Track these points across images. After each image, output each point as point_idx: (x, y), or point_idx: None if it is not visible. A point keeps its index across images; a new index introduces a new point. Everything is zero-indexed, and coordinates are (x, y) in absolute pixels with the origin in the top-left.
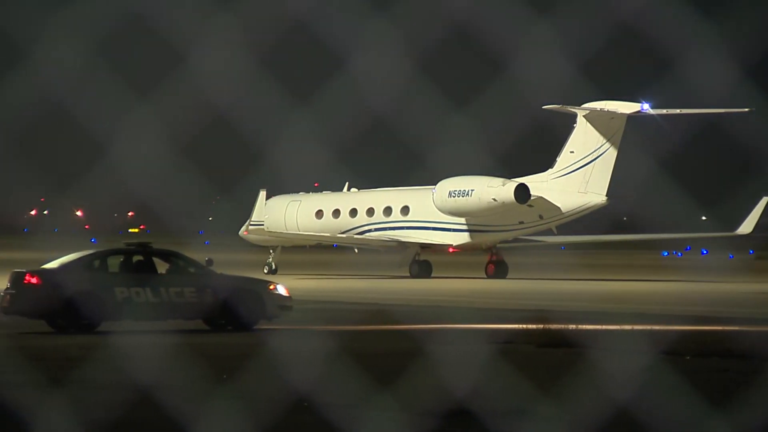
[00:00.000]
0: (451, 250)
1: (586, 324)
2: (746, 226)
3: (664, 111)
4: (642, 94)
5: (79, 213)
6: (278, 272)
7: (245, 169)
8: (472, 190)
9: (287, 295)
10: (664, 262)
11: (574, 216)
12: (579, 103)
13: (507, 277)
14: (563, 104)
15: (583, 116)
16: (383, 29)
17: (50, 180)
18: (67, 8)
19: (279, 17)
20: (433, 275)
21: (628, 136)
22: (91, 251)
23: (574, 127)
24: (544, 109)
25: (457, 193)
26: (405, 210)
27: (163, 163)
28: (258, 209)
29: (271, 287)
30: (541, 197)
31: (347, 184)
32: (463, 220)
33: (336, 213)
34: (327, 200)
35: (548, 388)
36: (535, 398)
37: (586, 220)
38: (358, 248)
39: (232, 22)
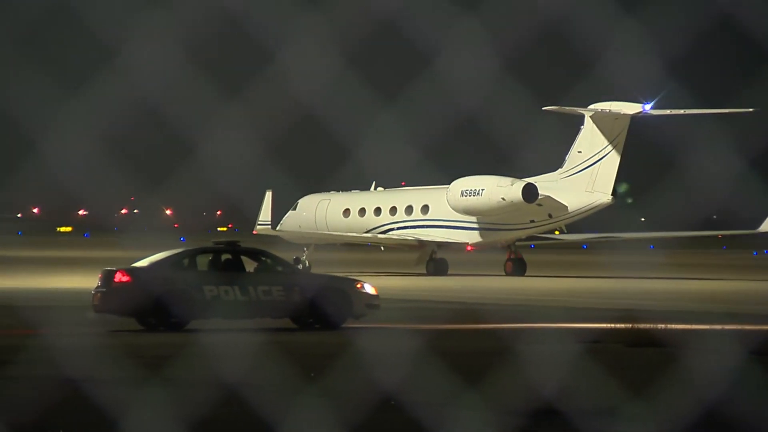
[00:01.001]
0: (468, 248)
1: (675, 323)
2: None
3: (668, 111)
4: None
5: (168, 212)
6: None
7: (333, 167)
8: (482, 190)
9: (375, 293)
10: (756, 262)
11: (582, 215)
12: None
13: (525, 274)
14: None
15: (590, 117)
16: (472, 28)
17: (140, 179)
18: (155, 8)
19: (366, 16)
20: (449, 273)
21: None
22: (180, 250)
23: (581, 128)
24: (543, 110)
25: (468, 192)
26: (425, 209)
27: (252, 162)
28: (265, 209)
29: (359, 285)
30: (549, 196)
31: (374, 183)
32: (482, 219)
33: (362, 212)
34: (354, 199)
35: (637, 388)
36: (624, 398)
37: (675, 216)
38: (383, 246)
39: (321, 22)
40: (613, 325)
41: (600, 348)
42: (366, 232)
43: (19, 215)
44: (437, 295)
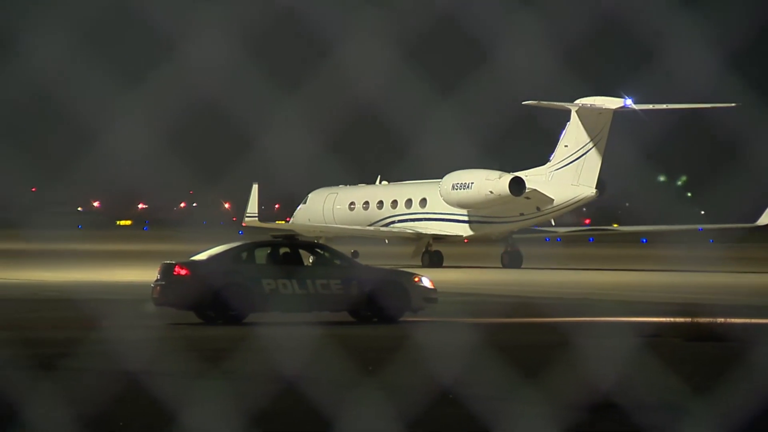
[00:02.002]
0: (465, 240)
1: (735, 318)
2: None
3: (650, 106)
4: (630, 87)
5: (227, 205)
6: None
7: (390, 160)
8: (472, 183)
9: (432, 287)
10: None
11: (568, 208)
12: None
13: (522, 267)
14: (542, 100)
15: (575, 112)
16: (528, 22)
17: (200, 173)
18: (213, 2)
19: (427, 11)
20: (444, 265)
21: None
22: (238, 243)
23: (567, 123)
24: (523, 104)
25: (459, 185)
26: (423, 202)
27: (310, 156)
28: (252, 201)
29: (416, 279)
30: (536, 190)
31: (379, 177)
32: (473, 212)
33: (366, 205)
34: (359, 193)
35: (696, 383)
36: (683, 393)
37: (734, 209)
38: (386, 239)
39: (379, 16)
40: (672, 319)
41: (659, 342)
42: (369, 225)
43: (79, 209)
44: (494, 288)
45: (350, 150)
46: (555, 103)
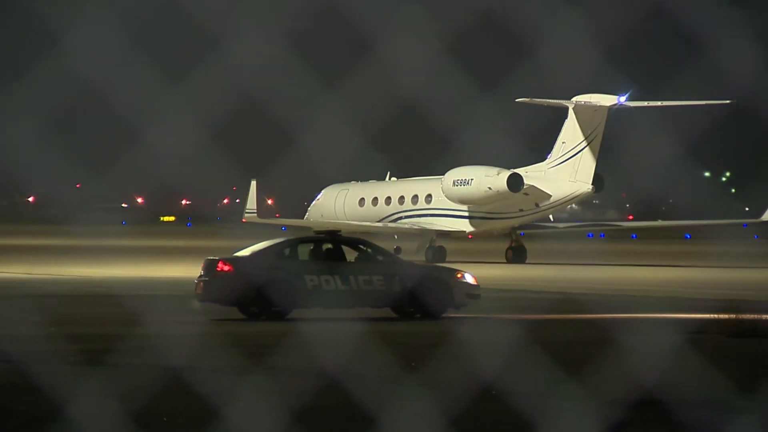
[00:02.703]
0: (470, 236)
1: None
2: None
3: (645, 103)
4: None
5: (269, 202)
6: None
7: (434, 155)
8: (471, 179)
9: (475, 283)
10: None
11: (565, 204)
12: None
13: (526, 262)
14: (534, 98)
15: (572, 109)
16: (572, 19)
17: (243, 169)
18: (256, 0)
19: (465, 5)
20: (447, 260)
21: None
22: (282, 239)
23: (565, 120)
24: (517, 102)
25: (459, 182)
26: (428, 198)
27: (351, 151)
28: (251, 198)
29: (459, 275)
30: (533, 186)
31: (388, 173)
32: (474, 208)
33: (374, 201)
34: (369, 189)
35: (739, 379)
36: (727, 389)
37: None
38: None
39: (420, 12)
40: (715, 316)
41: (702, 339)
42: (378, 221)
43: (123, 205)
44: (536, 284)
45: (393, 144)
46: (549, 100)
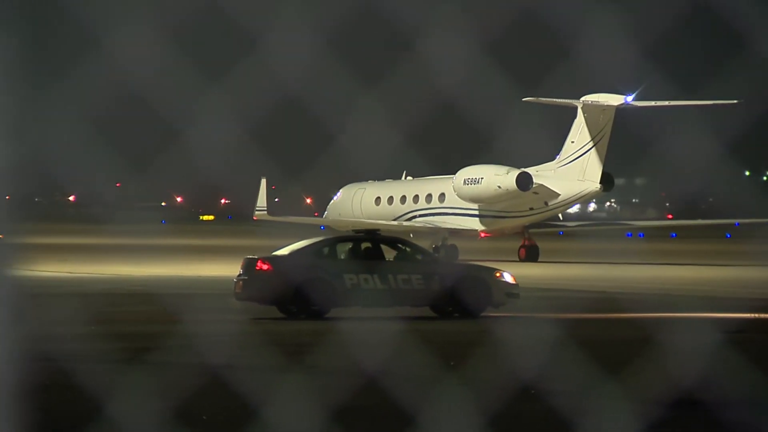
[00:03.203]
0: (482, 235)
1: None
2: None
3: (652, 103)
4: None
5: (308, 201)
6: None
7: (471, 154)
8: (481, 178)
9: (514, 282)
10: None
11: (573, 202)
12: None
13: (538, 260)
14: (541, 97)
15: (581, 108)
16: (610, 17)
17: (282, 168)
18: None
19: (505, 4)
20: (459, 259)
21: None
22: (320, 238)
23: (574, 119)
24: (524, 101)
25: (470, 181)
26: (441, 197)
27: (390, 150)
28: (261, 196)
29: (498, 274)
30: (542, 185)
31: (404, 172)
32: (485, 207)
33: (390, 200)
34: (385, 188)
35: None
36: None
37: None
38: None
39: (457, 13)
40: (756, 315)
41: (742, 338)
42: (394, 220)
43: (163, 204)
44: (575, 283)
45: (432, 143)
46: (557, 99)
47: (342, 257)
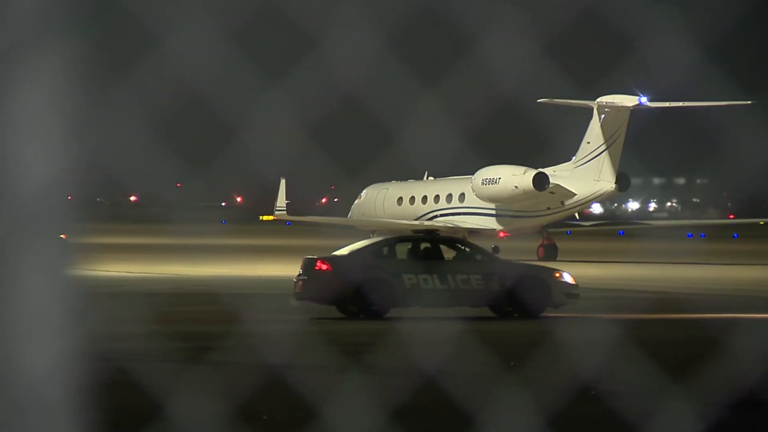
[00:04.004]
0: (501, 234)
1: None
2: None
3: (666, 104)
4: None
5: (323, 201)
6: None
7: (530, 153)
8: (499, 178)
9: (574, 282)
10: None
11: (590, 202)
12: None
13: (557, 259)
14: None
15: (596, 109)
16: (672, 15)
17: (341, 168)
18: None
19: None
20: None
21: None
22: (380, 238)
23: (590, 120)
24: (538, 102)
25: (488, 181)
26: (461, 197)
27: (450, 149)
28: (280, 196)
29: (557, 275)
30: (558, 185)
31: (426, 173)
32: (503, 207)
33: (411, 200)
34: (407, 188)
35: None
36: None
37: None
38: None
39: (519, 11)
40: None
41: None
42: (415, 219)
43: (223, 204)
44: (635, 284)
45: (491, 143)
46: (571, 101)
47: (401, 257)
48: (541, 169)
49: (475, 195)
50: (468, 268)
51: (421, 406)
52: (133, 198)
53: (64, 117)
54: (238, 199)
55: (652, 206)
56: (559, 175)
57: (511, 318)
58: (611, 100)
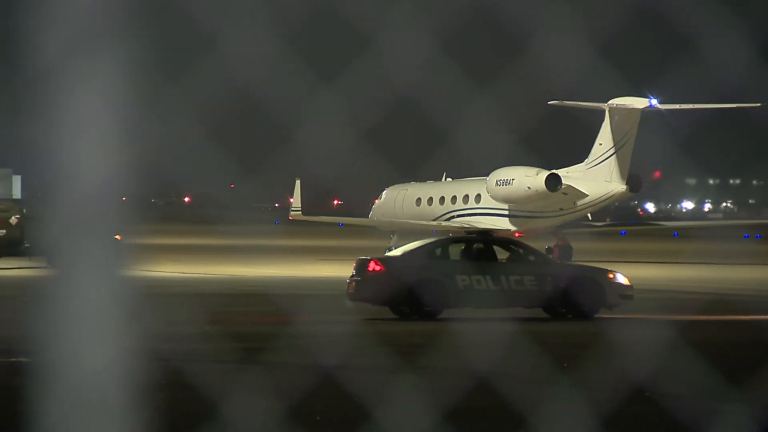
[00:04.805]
0: (516, 235)
1: None
2: None
3: (677, 106)
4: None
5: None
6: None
7: (579, 155)
8: (512, 179)
9: (628, 283)
10: None
11: (602, 203)
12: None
13: (572, 260)
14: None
15: (608, 111)
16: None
17: (394, 168)
18: None
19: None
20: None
21: None
22: (433, 239)
23: (602, 122)
24: (549, 104)
25: (502, 182)
26: (477, 198)
27: (502, 150)
28: (296, 196)
29: (611, 276)
30: (570, 186)
31: (444, 173)
32: (517, 207)
33: (429, 201)
34: (425, 189)
35: None
36: None
37: None
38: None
39: (570, 12)
40: None
41: None
42: (433, 220)
43: (276, 205)
44: (688, 285)
45: (543, 143)
46: (581, 102)
47: (454, 258)
48: (553, 171)
49: (490, 196)
50: (521, 269)
51: (475, 408)
52: (186, 199)
53: (119, 117)
54: (291, 200)
55: (707, 207)
56: (572, 176)
57: (565, 319)
58: (622, 102)
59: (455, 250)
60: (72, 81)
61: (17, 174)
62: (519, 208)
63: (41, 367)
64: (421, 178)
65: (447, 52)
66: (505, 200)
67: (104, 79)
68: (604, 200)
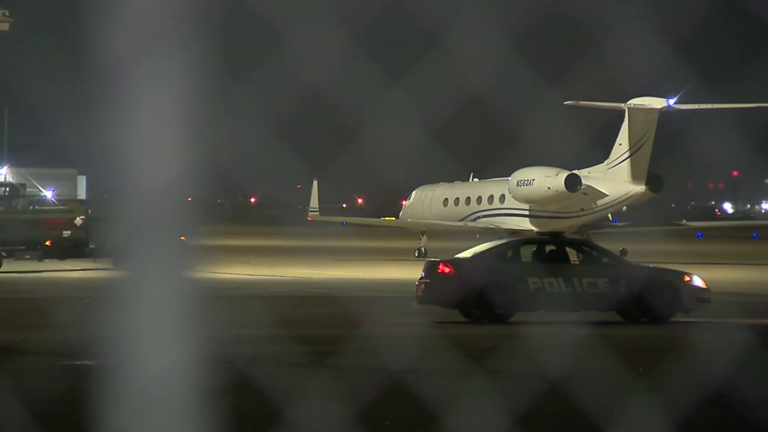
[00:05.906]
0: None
1: None
2: None
3: (696, 106)
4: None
5: (360, 201)
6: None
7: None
8: (533, 180)
9: (704, 286)
10: None
11: (621, 204)
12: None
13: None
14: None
15: (628, 111)
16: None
17: (469, 167)
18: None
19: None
20: None
21: None
22: (503, 241)
23: (623, 122)
24: (565, 104)
25: (523, 182)
26: (502, 198)
27: (570, 150)
28: (314, 197)
29: (687, 278)
30: (590, 186)
31: (471, 174)
32: (539, 208)
33: (456, 201)
34: (453, 190)
35: None
36: None
37: None
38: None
39: (646, 11)
40: None
41: None
42: (459, 221)
43: (344, 205)
44: (765, 288)
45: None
46: (598, 103)
47: (526, 260)
48: (573, 171)
49: (512, 196)
50: (595, 271)
51: (547, 412)
52: (253, 199)
53: (185, 117)
54: (360, 200)
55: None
56: (592, 176)
57: (640, 323)
58: (641, 102)
59: (527, 252)
60: (138, 81)
61: (82, 174)
62: (541, 208)
63: (108, 370)
64: (486, 176)
65: (518, 49)
66: (526, 201)
67: (171, 79)
68: (624, 200)
